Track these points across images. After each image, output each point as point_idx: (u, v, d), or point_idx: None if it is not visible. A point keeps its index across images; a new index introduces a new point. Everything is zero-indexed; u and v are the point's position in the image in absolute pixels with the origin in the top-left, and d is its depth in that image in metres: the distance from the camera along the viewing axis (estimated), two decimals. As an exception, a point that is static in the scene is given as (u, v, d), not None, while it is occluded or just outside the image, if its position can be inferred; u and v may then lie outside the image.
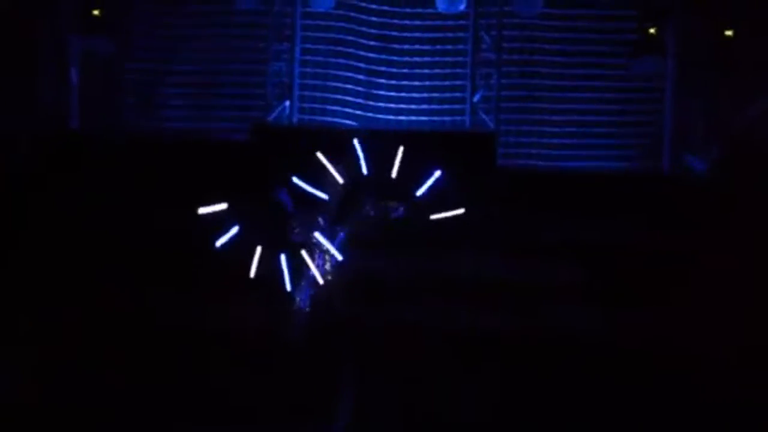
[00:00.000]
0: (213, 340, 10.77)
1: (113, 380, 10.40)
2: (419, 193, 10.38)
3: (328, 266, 9.71)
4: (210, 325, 10.88)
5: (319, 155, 10.16)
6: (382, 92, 13.07)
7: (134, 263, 10.66)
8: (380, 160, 11.02)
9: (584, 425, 9.82)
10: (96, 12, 12.20)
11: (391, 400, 9.71)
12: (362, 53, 13.03)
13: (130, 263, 10.61)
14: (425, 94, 13.12)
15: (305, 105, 12.95)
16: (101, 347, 10.53)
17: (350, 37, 12.99)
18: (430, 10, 12.79)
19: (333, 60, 13.06)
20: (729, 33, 12.07)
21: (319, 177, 10.25)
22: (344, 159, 10.51)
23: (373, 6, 12.99)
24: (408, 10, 12.84)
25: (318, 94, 13.01)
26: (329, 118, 12.90)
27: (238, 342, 10.57)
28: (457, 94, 13.02)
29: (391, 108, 13.00)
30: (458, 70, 13.03)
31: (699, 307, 9.95)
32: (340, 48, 13.13)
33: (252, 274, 9.74)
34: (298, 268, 9.66)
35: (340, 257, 9.64)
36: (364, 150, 11.11)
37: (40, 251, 10.79)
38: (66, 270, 10.86)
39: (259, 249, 9.66)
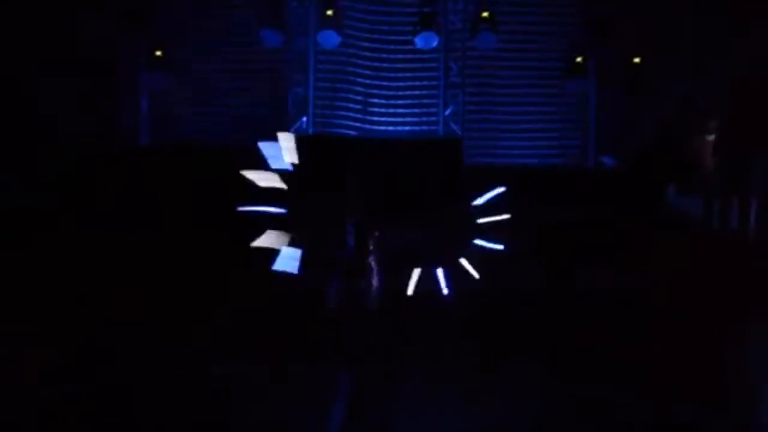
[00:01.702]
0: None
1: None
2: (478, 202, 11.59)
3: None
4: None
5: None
6: (375, 109, 14.79)
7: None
8: (383, 164, 12.93)
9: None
10: (158, 53, 13.99)
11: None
12: (360, 80, 14.73)
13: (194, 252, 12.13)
14: (408, 110, 14.83)
15: (317, 120, 14.59)
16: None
17: (350, 68, 14.70)
18: (410, 47, 14.39)
19: (338, 85, 14.73)
20: (637, 60, 14.04)
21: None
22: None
23: (367, 44, 14.63)
24: (393, 47, 14.55)
25: (327, 111, 14.69)
26: (336, 130, 14.56)
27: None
28: (432, 110, 14.75)
29: (382, 121, 14.71)
30: (433, 92, 14.77)
31: (612, 263, 12.12)
32: (343, 76, 14.77)
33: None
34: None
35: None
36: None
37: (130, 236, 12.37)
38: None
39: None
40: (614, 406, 9.56)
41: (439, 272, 11.21)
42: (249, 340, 10.73)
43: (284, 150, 10.81)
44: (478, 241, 11.13)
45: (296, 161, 10.95)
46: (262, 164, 11.12)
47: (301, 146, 12.17)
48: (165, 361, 10.57)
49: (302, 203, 11.50)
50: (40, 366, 10.01)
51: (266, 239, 10.62)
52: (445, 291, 10.74)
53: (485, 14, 14.22)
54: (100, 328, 11.28)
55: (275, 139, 11.53)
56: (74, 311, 11.70)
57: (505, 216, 10.79)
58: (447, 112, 14.58)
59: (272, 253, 11.11)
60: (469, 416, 9.19)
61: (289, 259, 10.21)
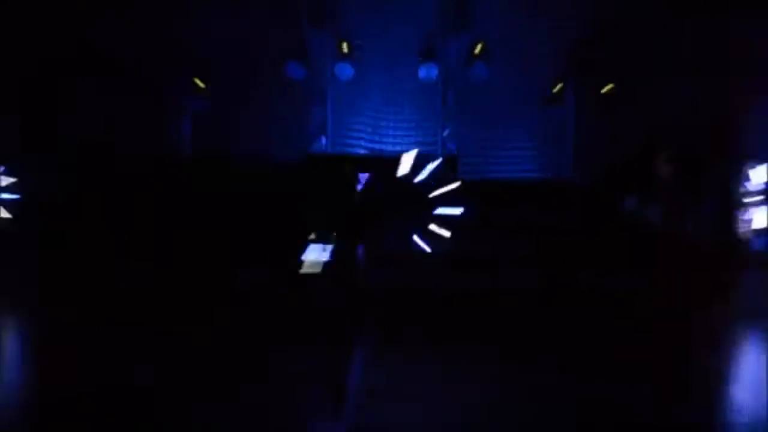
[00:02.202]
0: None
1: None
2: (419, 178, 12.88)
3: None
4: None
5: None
6: (383, 131, 15.89)
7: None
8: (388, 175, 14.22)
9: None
10: (198, 81, 15.17)
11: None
12: (370, 105, 15.87)
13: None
14: (411, 132, 15.95)
15: (335, 140, 15.74)
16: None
17: (362, 96, 15.80)
18: (414, 78, 15.44)
19: (352, 110, 15.85)
20: (606, 89, 15.18)
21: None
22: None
23: (376, 76, 15.75)
24: (399, 78, 15.77)
25: (343, 132, 15.80)
26: (349, 149, 15.69)
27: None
28: (431, 132, 15.87)
29: (389, 141, 15.85)
30: (432, 116, 15.85)
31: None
32: (356, 102, 15.85)
33: None
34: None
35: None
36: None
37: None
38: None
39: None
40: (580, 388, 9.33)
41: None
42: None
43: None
44: (439, 211, 12.48)
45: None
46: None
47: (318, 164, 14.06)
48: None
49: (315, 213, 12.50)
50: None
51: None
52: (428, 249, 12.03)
53: (478, 49, 15.24)
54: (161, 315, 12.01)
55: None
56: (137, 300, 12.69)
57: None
58: (445, 134, 15.69)
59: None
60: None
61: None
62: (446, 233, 12.83)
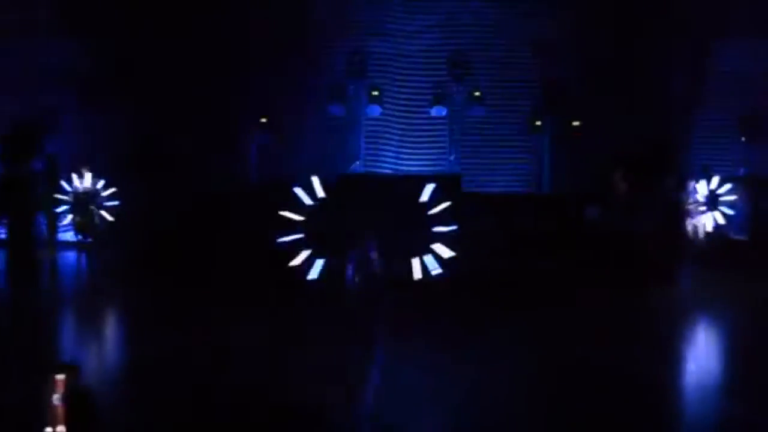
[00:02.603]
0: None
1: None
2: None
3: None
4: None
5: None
6: (404, 156, 17.56)
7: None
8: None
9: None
10: (263, 119, 17.02)
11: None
12: (393, 137, 17.56)
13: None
14: (425, 157, 17.55)
15: (366, 164, 17.33)
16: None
17: (387, 130, 17.48)
18: (427, 115, 17.20)
19: (380, 140, 17.52)
20: (576, 123, 16.90)
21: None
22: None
23: (399, 114, 17.46)
24: (416, 116, 17.36)
25: (372, 158, 17.47)
26: (377, 169, 17.29)
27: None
28: (443, 157, 17.42)
29: (409, 164, 17.53)
30: (442, 145, 17.49)
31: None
32: (383, 135, 17.55)
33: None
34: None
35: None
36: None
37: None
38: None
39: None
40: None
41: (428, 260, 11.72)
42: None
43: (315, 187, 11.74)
44: (437, 229, 11.74)
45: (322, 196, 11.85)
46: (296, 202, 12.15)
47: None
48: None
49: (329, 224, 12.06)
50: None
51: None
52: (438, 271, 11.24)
53: (476, 94, 17.01)
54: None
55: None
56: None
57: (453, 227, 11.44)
58: (451, 158, 17.25)
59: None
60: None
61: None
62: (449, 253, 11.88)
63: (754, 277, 14.76)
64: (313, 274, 10.12)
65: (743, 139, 16.96)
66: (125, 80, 16.56)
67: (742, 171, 16.92)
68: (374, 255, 9.76)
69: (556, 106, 17.32)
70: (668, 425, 7.79)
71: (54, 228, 16.12)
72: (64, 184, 15.91)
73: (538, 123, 17.35)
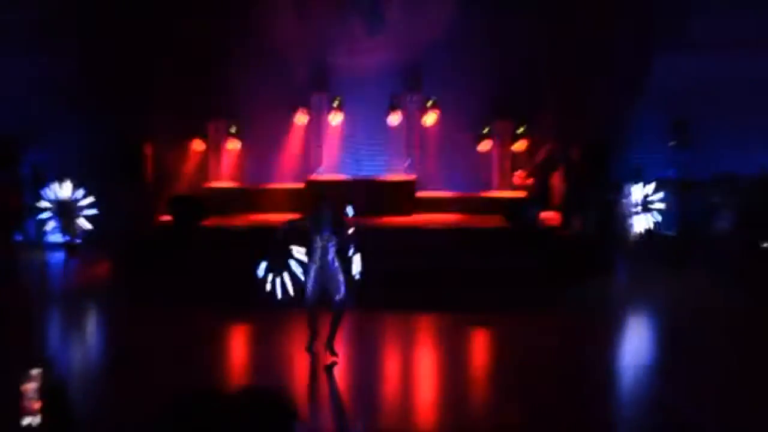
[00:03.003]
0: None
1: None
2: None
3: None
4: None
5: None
6: (363, 161, 17.74)
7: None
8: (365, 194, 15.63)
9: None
10: (233, 129, 17.23)
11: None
12: (353, 144, 17.73)
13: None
14: (383, 162, 17.77)
15: (328, 169, 17.41)
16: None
17: (349, 136, 17.72)
18: (384, 124, 17.29)
19: (341, 146, 17.72)
20: (520, 130, 17.19)
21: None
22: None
23: (358, 122, 17.56)
24: (374, 123, 17.40)
25: (334, 162, 17.65)
26: (339, 174, 17.40)
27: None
28: (398, 162, 17.51)
29: (367, 168, 17.70)
30: (398, 151, 17.61)
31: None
32: (344, 141, 17.76)
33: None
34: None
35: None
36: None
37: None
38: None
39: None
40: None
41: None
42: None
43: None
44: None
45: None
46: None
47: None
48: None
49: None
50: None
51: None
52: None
53: (429, 103, 17.47)
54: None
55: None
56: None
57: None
58: (407, 163, 17.52)
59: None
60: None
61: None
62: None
63: (681, 267, 15.33)
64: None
65: (672, 144, 17.31)
66: (104, 93, 16.68)
67: (671, 173, 17.27)
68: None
69: (502, 114, 17.61)
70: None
71: (40, 231, 16.23)
72: (46, 191, 16.05)
73: (486, 130, 17.67)
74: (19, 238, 16.80)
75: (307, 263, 9.44)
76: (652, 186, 15.97)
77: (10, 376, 4.79)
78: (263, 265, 9.51)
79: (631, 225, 16.03)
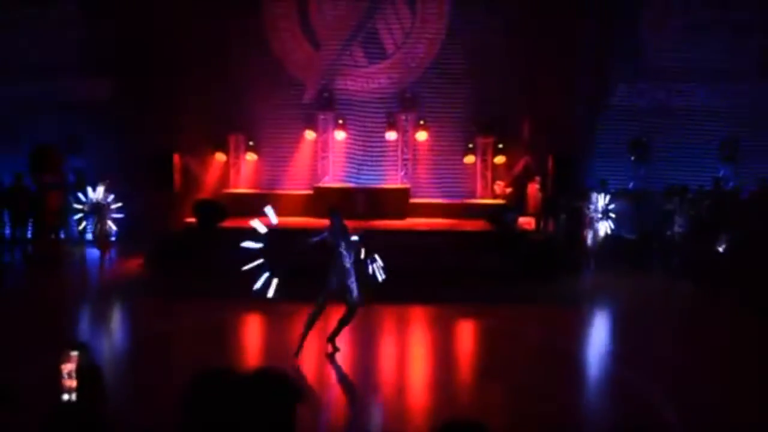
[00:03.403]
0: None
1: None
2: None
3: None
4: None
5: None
6: (364, 172, 17.70)
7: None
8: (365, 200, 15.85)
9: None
10: (251, 142, 17.37)
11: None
12: (355, 156, 17.71)
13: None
14: (381, 172, 17.75)
15: (334, 178, 17.53)
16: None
17: (351, 150, 17.67)
18: (382, 139, 17.40)
19: (345, 159, 17.71)
20: (500, 145, 17.17)
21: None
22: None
23: (359, 138, 17.59)
24: (373, 139, 17.60)
25: (339, 173, 17.68)
26: (344, 182, 17.49)
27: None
28: (394, 172, 17.63)
29: (368, 179, 17.64)
30: (395, 163, 17.69)
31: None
32: (347, 154, 17.75)
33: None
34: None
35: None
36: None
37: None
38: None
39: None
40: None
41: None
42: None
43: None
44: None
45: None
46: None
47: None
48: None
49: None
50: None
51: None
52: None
53: (421, 122, 17.49)
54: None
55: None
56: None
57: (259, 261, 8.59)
58: (402, 173, 17.66)
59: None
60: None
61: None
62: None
63: (640, 267, 15.36)
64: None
65: (632, 158, 17.26)
66: (139, 111, 16.63)
67: (631, 184, 17.28)
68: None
69: (485, 131, 17.64)
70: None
71: (82, 229, 16.03)
72: (80, 195, 15.70)
73: (471, 146, 17.66)
74: (62, 235, 16.67)
75: (330, 267, 9.01)
76: (609, 196, 15.72)
77: (50, 357, 4.59)
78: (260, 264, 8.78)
79: (596, 230, 15.75)
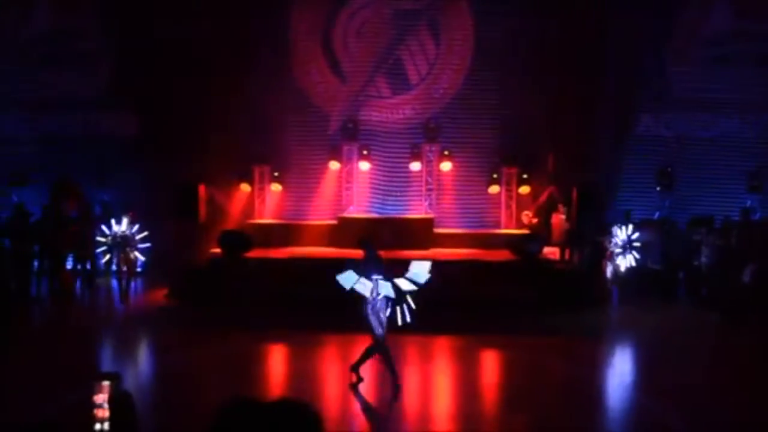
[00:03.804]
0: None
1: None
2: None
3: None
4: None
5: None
6: (389, 202, 17.74)
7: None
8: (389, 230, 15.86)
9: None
10: (276, 173, 17.76)
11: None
12: (380, 186, 17.74)
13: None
14: (406, 202, 17.81)
15: (359, 207, 17.59)
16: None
17: (375, 181, 17.77)
18: (406, 169, 17.49)
19: (370, 189, 17.81)
20: (525, 176, 17.18)
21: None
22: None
23: (384, 168, 17.72)
24: (398, 169, 17.67)
25: (365, 203, 17.75)
26: (368, 212, 17.61)
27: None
28: (418, 202, 17.69)
29: (393, 208, 17.73)
30: (419, 193, 17.67)
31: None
32: (372, 185, 17.82)
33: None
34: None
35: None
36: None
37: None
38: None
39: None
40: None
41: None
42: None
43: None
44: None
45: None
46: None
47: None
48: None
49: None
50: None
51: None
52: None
53: (445, 153, 17.57)
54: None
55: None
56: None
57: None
58: (426, 204, 17.69)
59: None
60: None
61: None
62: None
63: (666, 298, 15.30)
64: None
65: (658, 189, 17.27)
66: (166, 145, 16.92)
67: (657, 215, 17.22)
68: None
69: (509, 162, 17.73)
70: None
71: (107, 261, 16.01)
72: (105, 227, 15.54)
73: (495, 176, 17.74)
74: (88, 267, 16.76)
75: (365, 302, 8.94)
76: (631, 228, 15.69)
77: (79, 391, 4.75)
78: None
79: (616, 264, 15.72)
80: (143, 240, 15.67)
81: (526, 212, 17.22)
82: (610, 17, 17.08)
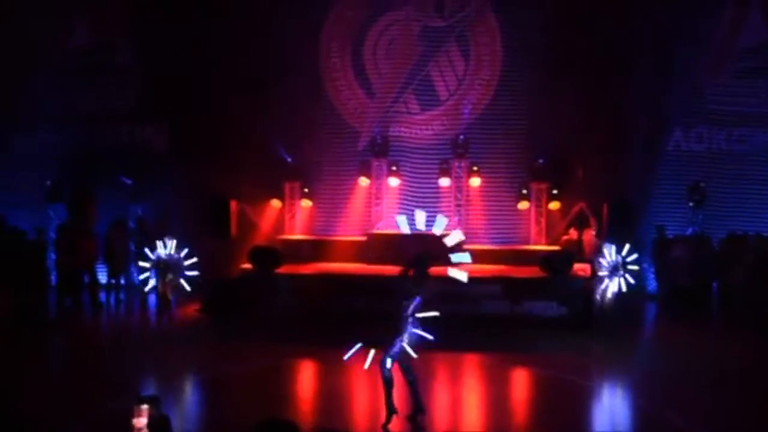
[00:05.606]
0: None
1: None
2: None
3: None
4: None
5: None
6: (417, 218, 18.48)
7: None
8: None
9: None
10: (306, 189, 17.82)
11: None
12: (408, 202, 17.63)
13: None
14: (434, 218, 17.32)
15: (389, 223, 17.36)
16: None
17: (404, 197, 17.87)
18: (435, 185, 17.63)
19: (399, 205, 17.72)
20: (555, 191, 17.14)
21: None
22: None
23: (413, 184, 17.88)
24: (427, 185, 17.79)
25: (392, 219, 16.51)
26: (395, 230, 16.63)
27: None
28: (447, 218, 15.22)
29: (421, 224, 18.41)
30: (448, 208, 17.50)
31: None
32: (401, 200, 17.89)
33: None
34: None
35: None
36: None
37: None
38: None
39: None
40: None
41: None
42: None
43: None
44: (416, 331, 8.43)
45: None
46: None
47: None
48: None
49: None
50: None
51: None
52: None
53: (474, 168, 17.70)
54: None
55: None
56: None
57: (435, 313, 8.52)
58: (455, 220, 17.26)
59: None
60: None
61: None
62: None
63: (699, 315, 15.22)
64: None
65: (690, 204, 17.18)
66: (199, 161, 17.17)
67: (689, 230, 17.14)
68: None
69: (539, 177, 17.80)
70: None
71: (143, 279, 15.73)
72: (150, 250, 14.98)
73: (525, 191, 17.76)
74: (122, 281, 17.06)
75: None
76: (627, 248, 15.31)
77: (114, 404, 4.98)
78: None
79: (605, 287, 15.19)
80: (191, 267, 14.99)
81: (571, 230, 17.10)
82: (641, 30, 17.09)
